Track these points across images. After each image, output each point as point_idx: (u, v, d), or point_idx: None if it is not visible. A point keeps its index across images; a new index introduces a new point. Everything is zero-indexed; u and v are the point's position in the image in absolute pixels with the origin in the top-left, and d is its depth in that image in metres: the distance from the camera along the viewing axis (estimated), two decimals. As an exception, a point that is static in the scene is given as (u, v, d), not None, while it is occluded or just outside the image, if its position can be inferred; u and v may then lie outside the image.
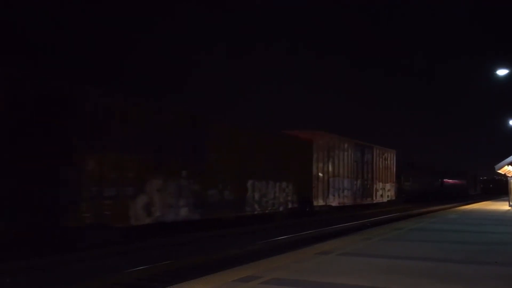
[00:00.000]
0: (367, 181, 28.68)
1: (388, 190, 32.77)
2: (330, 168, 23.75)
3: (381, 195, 31.34)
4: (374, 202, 30.11)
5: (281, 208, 19.29)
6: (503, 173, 32.14)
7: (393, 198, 33.66)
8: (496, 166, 26.45)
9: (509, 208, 27.95)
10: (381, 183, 31.15)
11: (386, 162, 32.33)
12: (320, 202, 22.56)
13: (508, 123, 31.48)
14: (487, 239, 11.48)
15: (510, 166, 26.05)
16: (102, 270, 8.94)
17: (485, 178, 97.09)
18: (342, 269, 6.97)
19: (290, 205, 19.94)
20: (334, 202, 24.15)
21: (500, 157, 25.95)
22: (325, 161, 23.30)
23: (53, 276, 8.55)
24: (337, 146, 24.60)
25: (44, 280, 8.30)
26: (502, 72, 20.12)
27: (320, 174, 22.64)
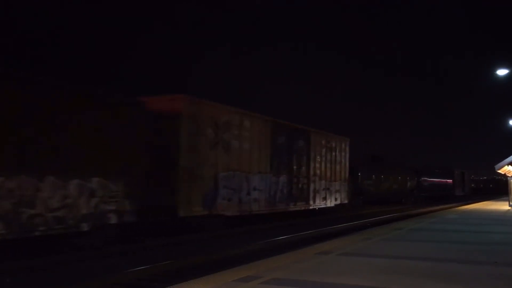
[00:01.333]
0: (298, 179, 20.27)
1: (337, 191, 24.26)
2: (222, 158, 15.34)
3: (324, 198, 22.79)
4: (313, 207, 21.79)
5: (85, 226, 10.63)
6: (503, 173, 32.12)
7: (345, 200, 25.42)
8: (496, 166, 26.42)
9: (509, 208, 27.95)
10: (324, 181, 22.64)
11: (333, 153, 23.86)
12: (197, 210, 14.18)
13: (508, 123, 31.48)
14: (487, 239, 11.48)
15: (510, 166, 26.04)
16: (102, 270, 8.94)
17: (485, 178, 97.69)
18: (342, 269, 6.97)
19: (114, 219, 11.38)
20: (229, 209, 15.71)
21: (500, 157, 25.96)
22: (211, 146, 14.84)
23: (53, 276, 8.56)
24: (235, 124, 16.24)
25: (44, 280, 8.30)
26: (502, 72, 20.11)
27: (198, 167, 14.25)
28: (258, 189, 17.39)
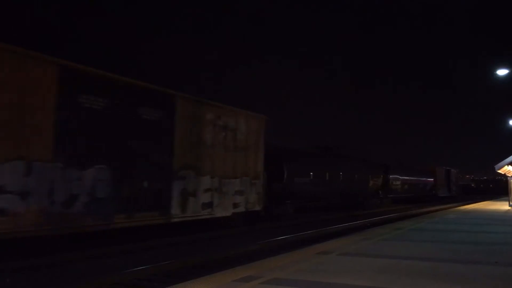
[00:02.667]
0: (143, 172, 12.11)
1: (239, 193, 15.93)
2: None
3: (209, 204, 14.37)
4: (180, 218, 13.27)
5: None
6: (503, 173, 32.12)
7: (257, 207, 17.03)
8: (496, 166, 26.42)
9: (509, 208, 27.95)
10: (209, 178, 14.45)
11: (232, 136, 15.67)
12: None
13: (508, 123, 31.48)
14: (487, 239, 11.48)
15: (510, 166, 26.03)
16: (102, 270, 8.95)
17: (485, 178, 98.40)
18: (342, 269, 6.97)
19: None
20: None
21: (500, 157, 25.94)
22: None
23: (53, 276, 8.56)
24: None
25: (44, 280, 8.31)
26: (502, 72, 20.11)
27: None
28: (9, 190, 9.03)
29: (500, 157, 25.97)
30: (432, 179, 47.34)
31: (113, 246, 11.31)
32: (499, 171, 29.35)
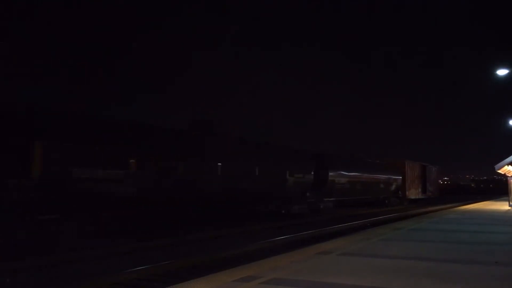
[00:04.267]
0: None
1: None
2: None
3: None
4: None
5: None
6: (503, 173, 32.10)
7: None
8: (496, 166, 26.41)
9: (509, 208, 27.95)
10: None
11: None
12: None
13: (508, 123, 31.47)
14: (487, 239, 11.47)
15: (510, 166, 26.02)
16: (102, 270, 8.94)
17: (485, 178, 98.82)
18: (342, 269, 6.97)
19: None
20: None
21: (500, 157, 25.92)
22: None
23: (53, 276, 8.56)
24: None
25: (44, 280, 8.31)
26: (502, 72, 20.10)
27: None
28: None
29: (500, 157, 25.98)
30: (400, 177, 38.43)
31: (113, 246, 11.32)
32: (499, 171, 29.34)
